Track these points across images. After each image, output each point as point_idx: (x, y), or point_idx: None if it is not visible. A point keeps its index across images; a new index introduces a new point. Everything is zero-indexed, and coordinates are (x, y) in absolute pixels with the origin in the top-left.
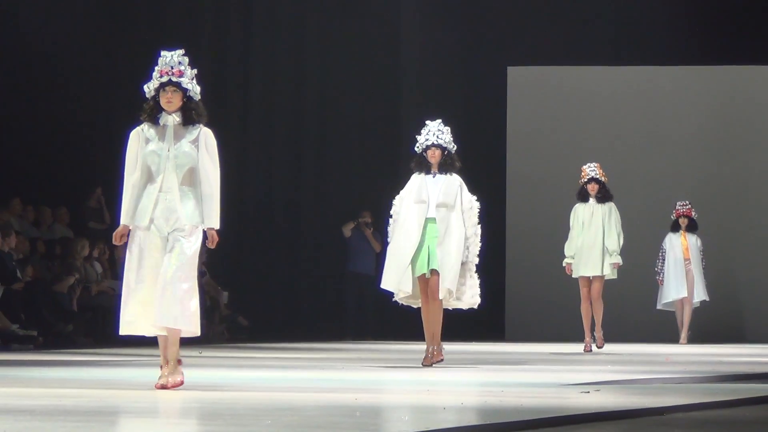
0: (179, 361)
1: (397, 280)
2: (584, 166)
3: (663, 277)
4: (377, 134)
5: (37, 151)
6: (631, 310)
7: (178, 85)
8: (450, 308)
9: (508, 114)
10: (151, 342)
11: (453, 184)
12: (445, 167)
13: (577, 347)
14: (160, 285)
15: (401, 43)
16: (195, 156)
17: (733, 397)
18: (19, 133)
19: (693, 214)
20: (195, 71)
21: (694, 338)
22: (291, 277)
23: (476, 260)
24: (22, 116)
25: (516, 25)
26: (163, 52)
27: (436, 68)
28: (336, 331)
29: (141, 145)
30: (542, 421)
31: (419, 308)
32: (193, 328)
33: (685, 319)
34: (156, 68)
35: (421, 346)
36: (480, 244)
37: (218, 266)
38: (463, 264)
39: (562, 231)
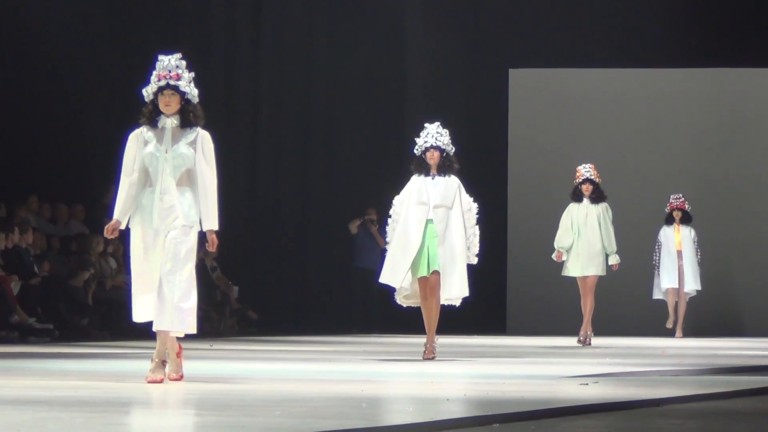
0: (179, 354)
1: (396, 276)
2: (579, 167)
3: (660, 268)
4: (382, 135)
5: (54, 150)
6: (626, 304)
7: (175, 88)
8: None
9: (509, 115)
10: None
11: (451, 185)
12: (443, 169)
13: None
14: (156, 285)
15: (405, 46)
16: (192, 158)
17: (728, 389)
18: (36, 133)
19: (686, 206)
20: (193, 74)
21: (690, 331)
22: (299, 273)
23: (475, 260)
24: (40, 116)
25: (517, 28)
26: (161, 56)
27: (439, 71)
28: (343, 324)
29: (140, 147)
30: (543, 412)
31: (419, 307)
32: (188, 328)
33: (680, 312)
34: (154, 72)
35: (422, 340)
36: (479, 245)
37: (229, 262)
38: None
39: None
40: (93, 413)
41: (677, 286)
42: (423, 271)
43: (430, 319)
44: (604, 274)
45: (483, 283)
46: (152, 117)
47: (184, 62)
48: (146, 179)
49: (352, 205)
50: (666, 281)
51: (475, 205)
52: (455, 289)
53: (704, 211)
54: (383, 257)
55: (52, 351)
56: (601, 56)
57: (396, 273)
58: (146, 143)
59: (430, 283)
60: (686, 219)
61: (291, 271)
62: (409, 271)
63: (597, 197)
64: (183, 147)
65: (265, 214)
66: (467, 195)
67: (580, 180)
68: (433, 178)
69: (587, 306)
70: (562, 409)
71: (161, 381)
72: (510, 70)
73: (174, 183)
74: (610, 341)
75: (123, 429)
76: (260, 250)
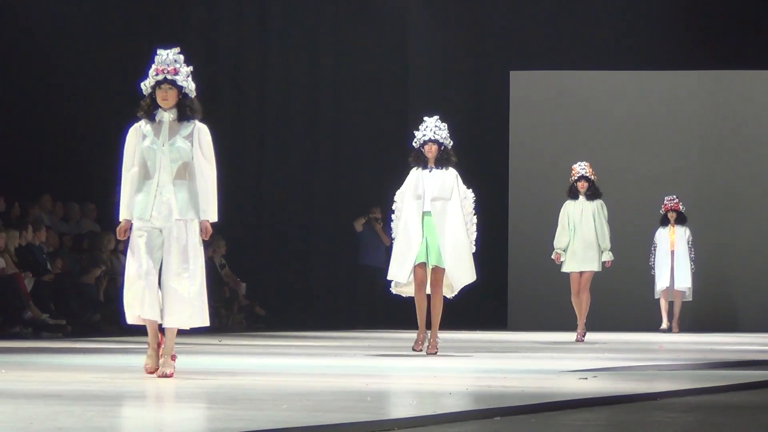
0: (173, 357)
1: (403, 272)
2: (574, 165)
3: (656, 269)
4: (386, 136)
5: (67, 150)
6: (622, 301)
7: (173, 82)
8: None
9: (510, 116)
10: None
11: (449, 177)
12: (441, 162)
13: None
14: (164, 284)
15: (409, 49)
16: (189, 151)
17: (723, 383)
18: (50, 133)
19: (681, 207)
20: (191, 68)
21: (686, 327)
22: (306, 270)
23: (473, 248)
24: (53, 116)
25: (518, 30)
26: (159, 51)
27: (441, 73)
28: (348, 320)
29: (138, 141)
30: (543, 406)
31: (411, 297)
32: (204, 321)
33: (675, 310)
34: (152, 66)
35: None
36: (476, 233)
37: (237, 259)
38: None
39: None
40: (105, 406)
41: (669, 285)
42: (420, 258)
43: (436, 314)
44: (599, 270)
45: (484, 279)
46: (150, 111)
47: (182, 56)
48: (145, 172)
49: (357, 204)
50: (660, 282)
51: (472, 194)
52: (465, 278)
53: (700, 211)
54: (389, 255)
55: (65, 346)
56: (600, 58)
57: (403, 268)
58: (144, 137)
59: (433, 279)
60: (681, 219)
61: (297, 268)
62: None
63: (593, 194)
64: (180, 140)
65: (272, 213)
66: (464, 185)
67: (576, 177)
68: (430, 171)
69: (583, 303)
70: (562, 402)
71: (171, 375)
72: (511, 72)
73: (171, 177)
74: (607, 337)
75: (134, 422)
76: (267, 248)
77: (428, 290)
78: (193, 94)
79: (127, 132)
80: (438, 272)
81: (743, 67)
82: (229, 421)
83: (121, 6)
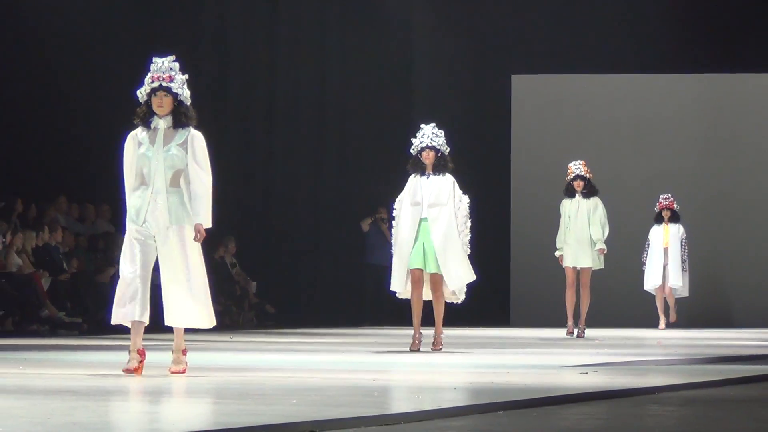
0: (184, 351)
1: (403, 281)
2: (570, 164)
3: (647, 265)
4: (391, 138)
5: (82, 152)
6: (618, 298)
7: (168, 90)
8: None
9: (512, 120)
10: (186, 330)
11: (446, 184)
12: (438, 168)
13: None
14: (165, 288)
15: (413, 53)
16: (183, 158)
17: (719, 377)
18: (66, 136)
19: (675, 206)
20: (186, 76)
21: (681, 323)
22: (314, 269)
23: (468, 250)
24: (70, 119)
25: (520, 35)
26: (155, 59)
27: (444, 76)
28: (355, 317)
29: (135, 148)
30: (545, 400)
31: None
32: (210, 321)
33: (670, 302)
34: (148, 74)
35: (428, 331)
36: (470, 235)
37: (248, 259)
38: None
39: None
40: (119, 402)
41: (662, 282)
42: (415, 263)
43: (439, 314)
44: (597, 266)
45: (487, 276)
46: (146, 118)
47: (177, 64)
48: (141, 179)
49: (364, 205)
50: (652, 279)
51: (466, 197)
52: (463, 278)
53: (697, 210)
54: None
55: (80, 343)
56: (602, 62)
57: (401, 278)
58: (140, 144)
59: (432, 284)
60: (674, 218)
61: (306, 267)
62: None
63: (589, 192)
64: (174, 148)
65: (281, 214)
66: (459, 190)
67: (572, 176)
68: (428, 178)
69: (583, 301)
70: (563, 396)
71: (138, 371)
72: (512, 76)
73: (166, 184)
74: (604, 333)
75: (148, 417)
76: (277, 248)
77: (428, 296)
78: (188, 102)
79: (125, 140)
80: (437, 278)
81: (741, 70)
82: (239, 415)
83: (134, 12)
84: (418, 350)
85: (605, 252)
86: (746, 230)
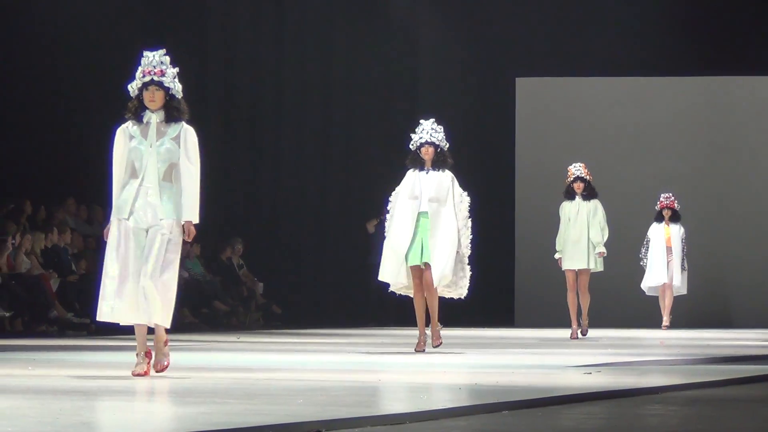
0: (166, 342)
1: (393, 272)
2: (570, 166)
3: (647, 263)
4: (396, 139)
5: (91, 154)
6: (618, 298)
7: (160, 84)
8: (444, 296)
9: (516, 122)
10: (190, 329)
11: (445, 179)
12: (437, 164)
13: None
14: (141, 281)
15: (418, 56)
16: (176, 152)
17: (722, 377)
18: (74, 138)
19: (676, 205)
20: (177, 70)
21: (681, 323)
22: (320, 270)
23: (468, 251)
24: (77, 123)
25: (524, 37)
26: (145, 53)
27: (449, 79)
28: (361, 318)
29: (125, 142)
30: (549, 400)
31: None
32: (166, 322)
33: (667, 304)
34: (139, 68)
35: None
36: (471, 236)
37: (255, 260)
38: (456, 254)
39: None
40: (127, 402)
41: (667, 281)
42: (415, 260)
43: (433, 309)
44: (595, 269)
45: (492, 277)
46: (137, 112)
47: (168, 58)
48: (132, 172)
49: (369, 206)
50: (656, 278)
51: (467, 198)
52: (442, 273)
53: (698, 210)
54: None
55: (89, 344)
56: (605, 65)
57: (391, 270)
58: (131, 138)
59: (425, 280)
60: (675, 217)
61: (313, 268)
62: (404, 262)
63: (588, 194)
64: (167, 142)
65: (288, 215)
66: (460, 188)
67: (572, 179)
68: (427, 173)
69: (583, 302)
70: (567, 396)
71: (147, 373)
72: (517, 79)
73: (158, 178)
74: (605, 333)
75: (155, 417)
76: (284, 249)
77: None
78: (179, 95)
79: (114, 133)
80: (430, 269)
81: (743, 72)
82: (246, 415)
83: (140, 14)
84: (423, 351)
85: (605, 255)
86: (747, 231)
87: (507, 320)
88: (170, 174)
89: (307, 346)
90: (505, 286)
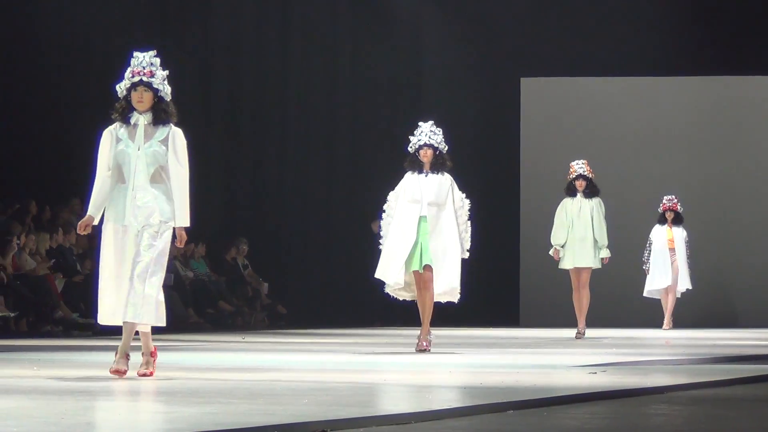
0: (153, 353)
1: (390, 272)
2: (572, 163)
3: (649, 266)
4: (401, 140)
5: (96, 155)
6: (620, 298)
7: (149, 85)
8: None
9: (521, 122)
10: (195, 329)
11: (444, 183)
12: (436, 166)
13: (587, 332)
14: (131, 282)
15: (423, 56)
16: (164, 155)
17: (727, 377)
18: (79, 139)
19: (679, 207)
20: (167, 72)
21: (686, 323)
22: (325, 270)
23: (467, 255)
24: (82, 124)
25: (529, 38)
26: (135, 53)
27: (454, 79)
28: (366, 318)
29: (112, 144)
30: (554, 400)
31: (413, 300)
32: (159, 321)
33: (669, 305)
34: (128, 69)
35: (439, 332)
36: (470, 241)
37: (260, 260)
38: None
39: None
40: (132, 402)
41: (671, 283)
42: (416, 266)
43: (424, 313)
44: (597, 266)
45: (497, 277)
46: (125, 113)
47: (158, 59)
48: (119, 176)
49: (375, 206)
50: (659, 281)
51: (468, 201)
52: (447, 282)
53: (703, 212)
54: None
55: (94, 344)
56: (610, 65)
57: (390, 269)
58: (119, 140)
59: (423, 278)
60: (678, 220)
61: (318, 268)
62: (404, 266)
63: (590, 192)
64: (155, 144)
65: (293, 216)
66: (459, 192)
67: (574, 176)
68: (426, 176)
69: (583, 300)
70: (572, 396)
71: (125, 372)
72: (522, 79)
73: (147, 180)
74: (608, 333)
75: (159, 417)
76: (289, 249)
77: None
78: (168, 98)
79: (100, 135)
80: (429, 271)
81: (749, 72)
82: (251, 415)
83: (145, 17)
84: (425, 350)
85: (609, 257)
86: (750, 232)
87: (512, 320)
88: (159, 176)
89: (312, 346)
90: (510, 285)
